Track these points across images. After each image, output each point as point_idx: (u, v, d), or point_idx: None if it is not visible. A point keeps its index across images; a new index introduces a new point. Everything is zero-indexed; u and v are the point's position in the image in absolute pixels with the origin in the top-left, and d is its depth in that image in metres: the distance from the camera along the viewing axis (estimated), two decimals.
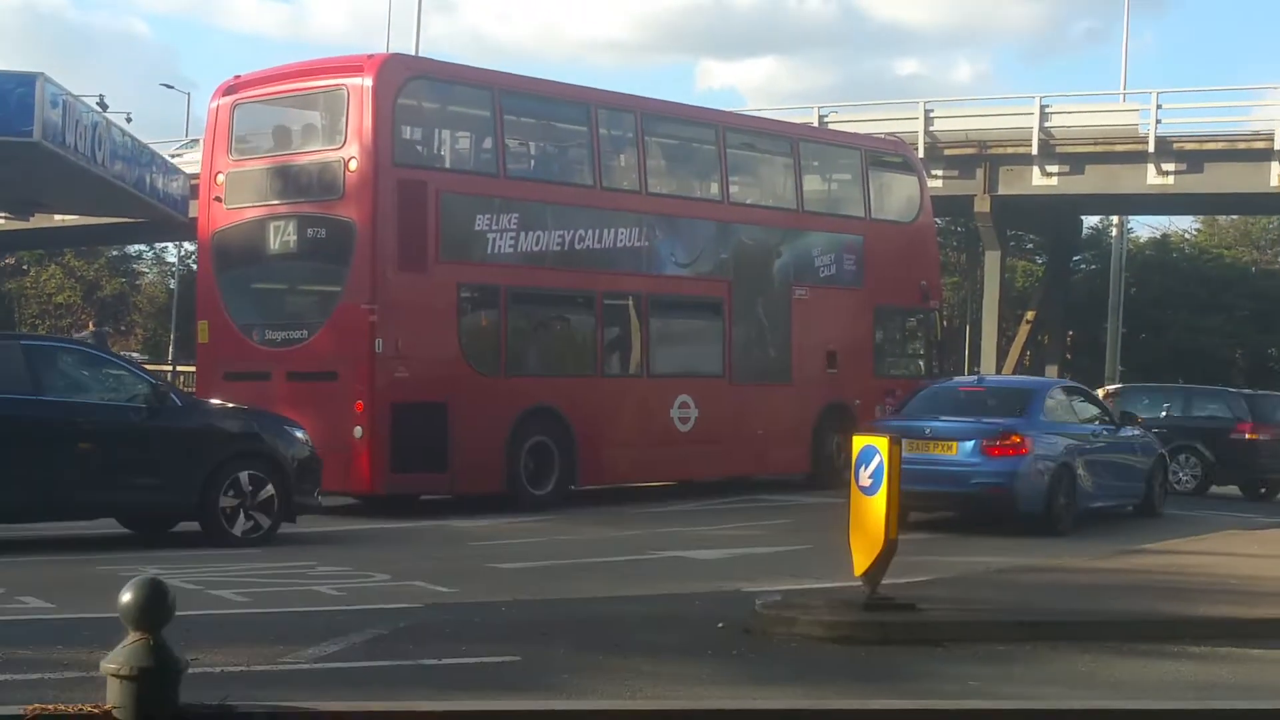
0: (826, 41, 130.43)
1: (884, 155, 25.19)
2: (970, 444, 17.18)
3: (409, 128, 18.55)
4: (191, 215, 35.42)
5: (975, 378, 25.97)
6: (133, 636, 3.78)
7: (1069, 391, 19.62)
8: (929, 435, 17.28)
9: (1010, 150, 39.89)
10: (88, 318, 64.18)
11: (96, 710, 3.61)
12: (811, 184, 23.52)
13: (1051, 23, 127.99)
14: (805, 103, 61.46)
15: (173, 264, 67.54)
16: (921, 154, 35.88)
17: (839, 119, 41.28)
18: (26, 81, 22.85)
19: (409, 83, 18.22)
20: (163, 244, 66.43)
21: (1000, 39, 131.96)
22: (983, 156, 40.14)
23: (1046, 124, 39.37)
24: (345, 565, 12.95)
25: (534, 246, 18.96)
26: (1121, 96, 42.73)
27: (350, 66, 18.00)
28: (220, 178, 18.68)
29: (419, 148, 19.00)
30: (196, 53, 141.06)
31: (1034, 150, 39.06)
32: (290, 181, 18.23)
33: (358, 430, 17.06)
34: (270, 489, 14.05)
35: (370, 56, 18.19)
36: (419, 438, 17.49)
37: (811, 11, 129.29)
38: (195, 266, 70.78)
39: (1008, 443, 17.20)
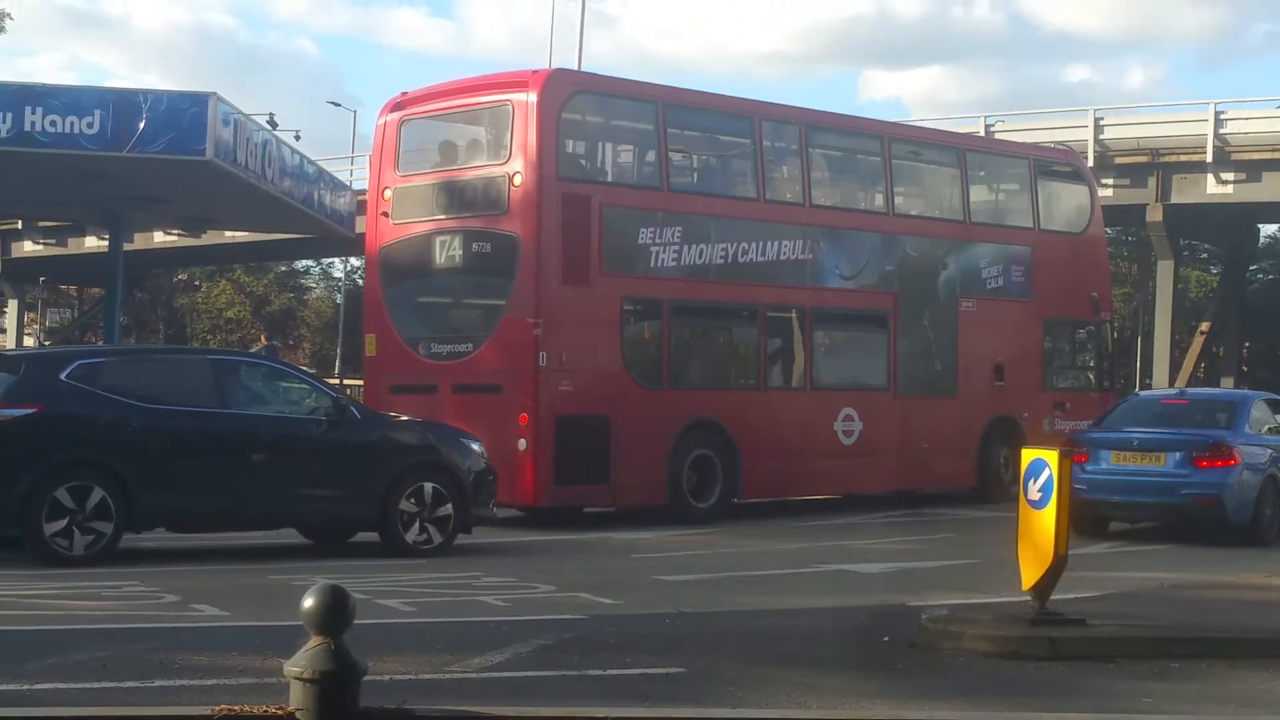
0: (994, 49, 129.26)
1: (1053, 165, 24.75)
2: (1179, 455, 17.30)
3: (573, 142, 18.67)
4: (358, 231, 36.13)
5: (1177, 390, 25.47)
6: (315, 641, 3.84)
7: (1271, 404, 19.39)
8: (1137, 446, 17.52)
9: (1184, 158, 38.94)
10: (258, 332, 65.65)
11: (281, 712, 3.68)
12: (978, 194, 23.20)
13: (1228, 27, 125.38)
14: (971, 112, 60.92)
15: (339, 279, 68.86)
16: (1091, 162, 35.23)
17: (1006, 128, 40.66)
18: (200, 101, 23.25)
19: (573, 97, 18.34)
20: (329, 259, 67.76)
21: (1175, 44, 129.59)
22: (1155, 164, 39.23)
23: (1222, 130, 38.33)
24: (510, 576, 13.04)
25: (697, 259, 18.94)
26: None
27: (515, 82, 18.16)
28: (387, 193, 18.97)
29: (583, 161, 19.12)
30: (363, 71, 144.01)
31: (1209, 158, 38.03)
32: (456, 196, 18.45)
33: (522, 443, 17.19)
34: (449, 505, 14.24)
35: (535, 72, 18.34)
36: (582, 450, 17.58)
37: (978, 19, 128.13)
38: (362, 281, 72.19)
39: (1217, 454, 17.24)
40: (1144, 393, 22.98)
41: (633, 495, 18.19)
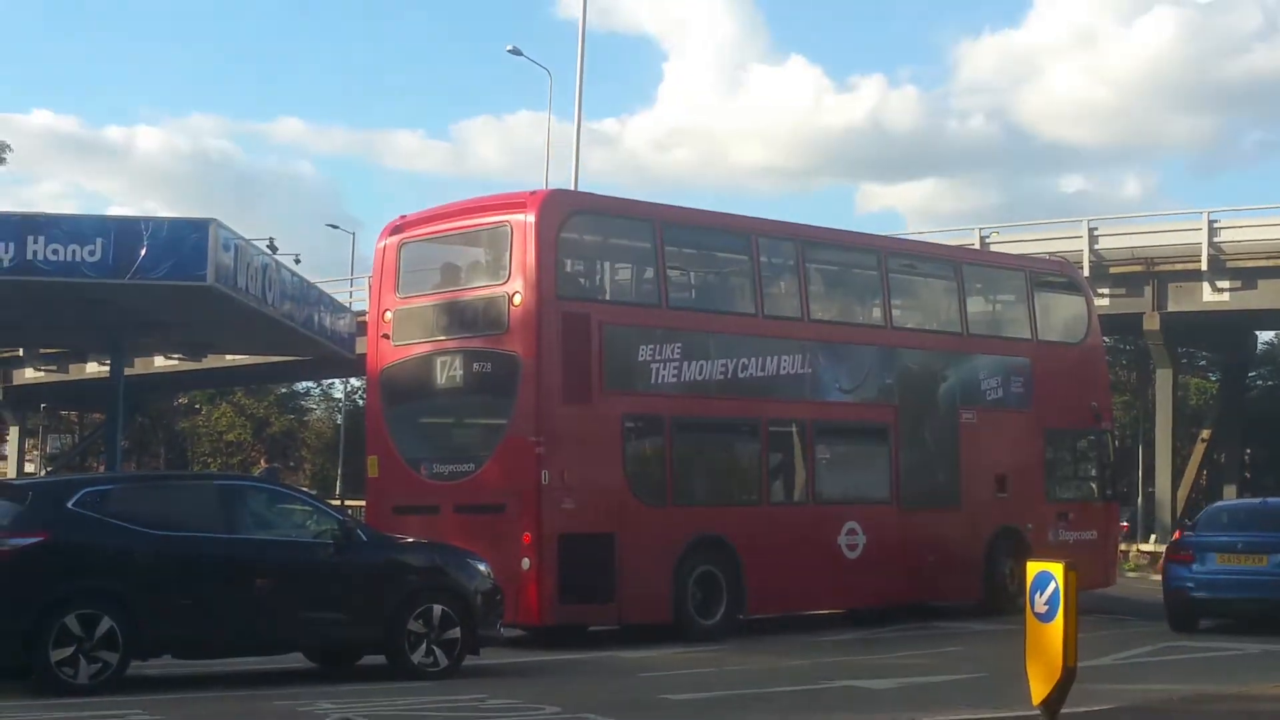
0: (988, 161, 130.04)
1: (1049, 276, 24.87)
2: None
3: (571, 261, 18.71)
4: (358, 352, 36.20)
5: (1259, 500, 25.95)
6: None
7: None
8: (1241, 549, 19.33)
9: (1179, 267, 39.29)
10: (258, 454, 65.64)
11: None
12: (976, 306, 23.28)
13: (1221, 136, 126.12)
14: (966, 223, 61.30)
15: (339, 399, 68.93)
16: (1087, 272, 35.46)
17: (1001, 239, 40.97)
18: (200, 228, 23.39)
19: (571, 217, 18.46)
20: (329, 380, 67.88)
21: (1168, 153, 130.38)
22: (1150, 273, 39.60)
23: (1216, 239, 38.64)
24: (516, 698, 12.93)
25: (697, 376, 18.97)
26: None
27: (513, 203, 18.28)
28: (388, 315, 19.04)
29: (582, 280, 19.18)
30: (361, 193, 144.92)
31: (1204, 266, 38.38)
32: (456, 317, 18.52)
33: (525, 562, 17.10)
34: (456, 629, 14.20)
35: (533, 193, 18.46)
36: (586, 568, 17.49)
37: (973, 131, 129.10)
38: (362, 402, 72.17)
39: None
40: (1224, 501, 26.16)
41: (638, 612, 18.06)
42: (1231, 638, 19.09)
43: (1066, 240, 40.19)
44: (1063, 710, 10.13)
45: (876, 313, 21.75)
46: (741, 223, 20.59)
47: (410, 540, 15.35)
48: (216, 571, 13.48)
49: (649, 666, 15.73)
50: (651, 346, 18.51)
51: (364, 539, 14.50)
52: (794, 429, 20.19)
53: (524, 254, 17.65)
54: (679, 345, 18.75)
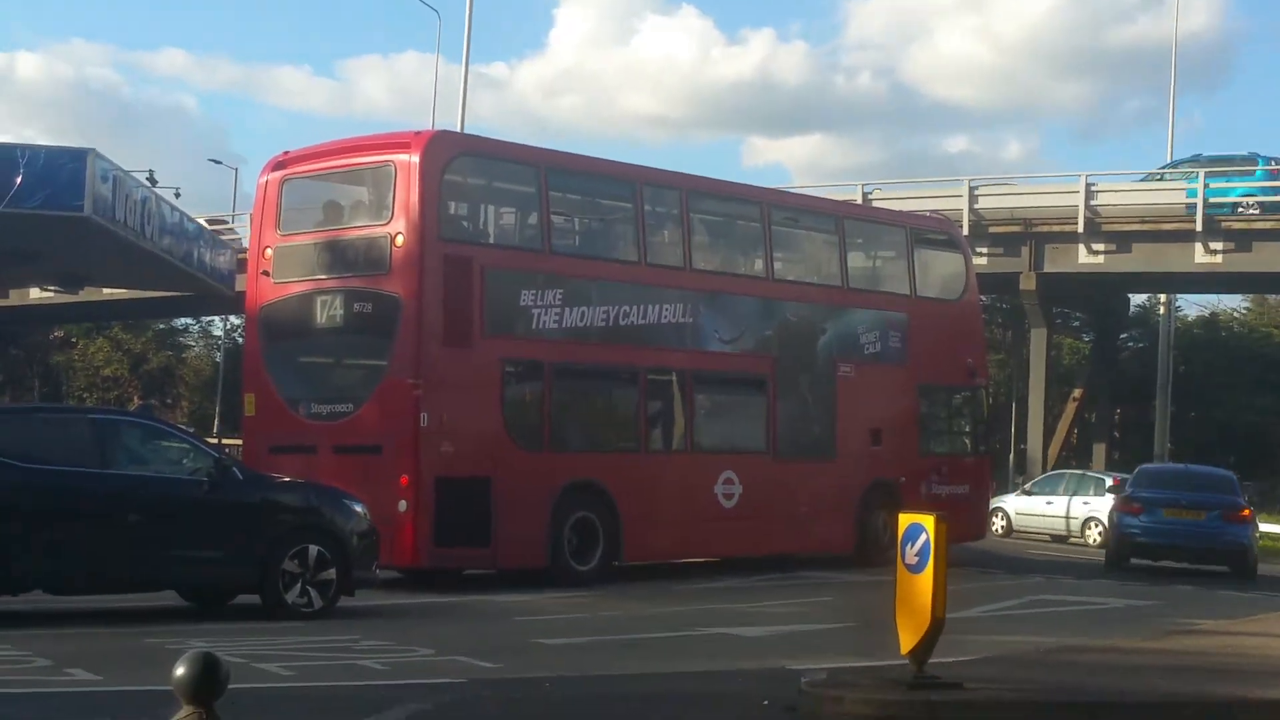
0: (875, 119, 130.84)
1: (929, 233, 25.18)
2: (1216, 513, 24.26)
3: (455, 203, 18.63)
4: (238, 289, 35.75)
5: (1182, 466, 31.74)
6: (185, 710, 3.85)
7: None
8: (1186, 505, 24.21)
9: (1056, 228, 39.87)
10: (134, 390, 64.67)
11: None
12: (856, 261, 23.52)
13: (1102, 102, 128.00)
14: (852, 179, 61.73)
15: (219, 337, 68.10)
16: (966, 231, 35.88)
17: (883, 196, 41.31)
18: (78, 157, 23.04)
19: (456, 159, 18.36)
20: (209, 318, 67.03)
21: (1051, 117, 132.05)
22: (1028, 234, 40.11)
23: (1093, 202, 39.32)
24: (388, 639, 12.91)
25: (578, 322, 19.00)
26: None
27: (398, 143, 18.16)
28: (268, 252, 18.84)
29: (465, 223, 19.10)
30: (245, 128, 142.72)
31: (1080, 228, 39.04)
32: (337, 256, 18.37)
33: (402, 504, 17.06)
34: (331, 570, 14.12)
35: (417, 133, 18.33)
36: (463, 512, 17.49)
37: (860, 89, 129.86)
38: (242, 340, 71.52)
39: (1241, 513, 24.64)
40: (1151, 465, 31.38)
41: (514, 557, 18.10)
42: (1093, 594, 19.78)
43: (948, 199, 40.56)
44: (930, 660, 10.26)
45: (758, 264, 21.87)
46: (626, 170, 20.60)
47: (287, 480, 15.23)
48: (88, 507, 13.30)
49: (523, 611, 15.79)
50: (533, 292, 18.50)
51: (239, 477, 14.33)
52: (673, 378, 20.29)
53: (407, 194, 17.53)
54: (561, 291, 18.77)
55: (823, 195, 35.63)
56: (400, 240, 17.51)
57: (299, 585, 13.98)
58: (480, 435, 17.82)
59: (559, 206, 19.76)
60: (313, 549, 14.05)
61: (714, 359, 20.81)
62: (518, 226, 19.84)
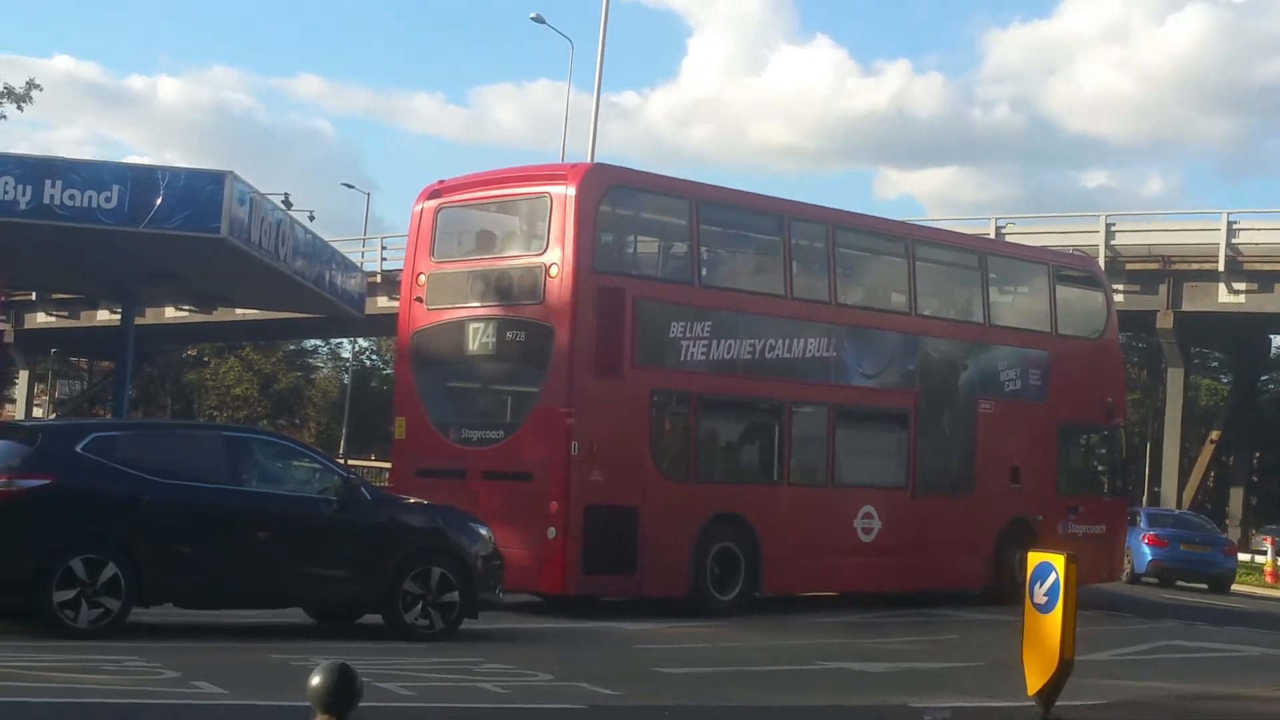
0: (1011, 152, 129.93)
1: (1070, 270, 25.02)
2: (1217, 547, 32.73)
3: (608, 235, 18.79)
4: (368, 312, 36.12)
5: (1170, 510, 38.08)
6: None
7: None
8: (1198, 542, 32.18)
9: (1195, 266, 39.62)
10: (264, 410, 65.78)
11: None
12: (998, 298, 23.43)
13: (1247, 137, 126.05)
14: (986, 213, 61.20)
15: (347, 359, 69.00)
16: (1102, 267, 35.53)
17: (1017, 230, 41.11)
18: (216, 180, 23.08)
19: (610, 191, 18.53)
20: (338, 339, 67.95)
21: (1194, 152, 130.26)
22: (1166, 272, 39.88)
23: (1234, 240, 38.96)
24: (510, 663, 12.97)
25: (725, 354, 19.10)
26: None
27: (554, 175, 18.41)
28: (422, 279, 19.13)
29: (617, 254, 19.21)
30: (378, 153, 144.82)
31: (1220, 266, 38.73)
32: (491, 285, 18.62)
33: (552, 531, 17.24)
34: (454, 592, 14.23)
35: (573, 166, 18.64)
36: (610, 540, 17.64)
37: (997, 121, 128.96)
38: (369, 363, 72.47)
39: (1232, 548, 33.30)
40: (1150, 508, 36.72)
41: (657, 586, 18.20)
42: (1230, 641, 19.66)
43: (1083, 234, 40.49)
44: (1058, 702, 10.16)
45: (902, 300, 21.87)
46: (775, 204, 20.65)
47: (413, 501, 15.32)
48: (220, 522, 13.47)
49: (647, 639, 15.83)
50: (683, 323, 18.63)
51: (368, 497, 14.47)
52: (816, 411, 20.33)
53: (563, 226, 17.74)
54: (709, 323, 18.89)
55: (956, 228, 35.58)
56: (555, 270, 17.71)
57: (420, 606, 14.12)
58: (628, 465, 17.94)
59: (708, 239, 19.89)
60: (436, 570, 14.14)
61: (857, 393, 20.82)
62: (668, 258, 19.93)
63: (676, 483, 18.45)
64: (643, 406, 18.24)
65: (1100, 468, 25.11)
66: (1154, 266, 39.92)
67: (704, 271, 19.39)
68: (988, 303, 22.71)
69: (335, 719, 3.92)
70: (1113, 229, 40.60)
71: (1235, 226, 39.30)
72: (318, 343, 70.78)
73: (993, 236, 38.97)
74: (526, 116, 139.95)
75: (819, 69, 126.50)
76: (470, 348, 18.68)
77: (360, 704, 4.10)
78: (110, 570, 12.75)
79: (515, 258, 18.73)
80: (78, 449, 13.26)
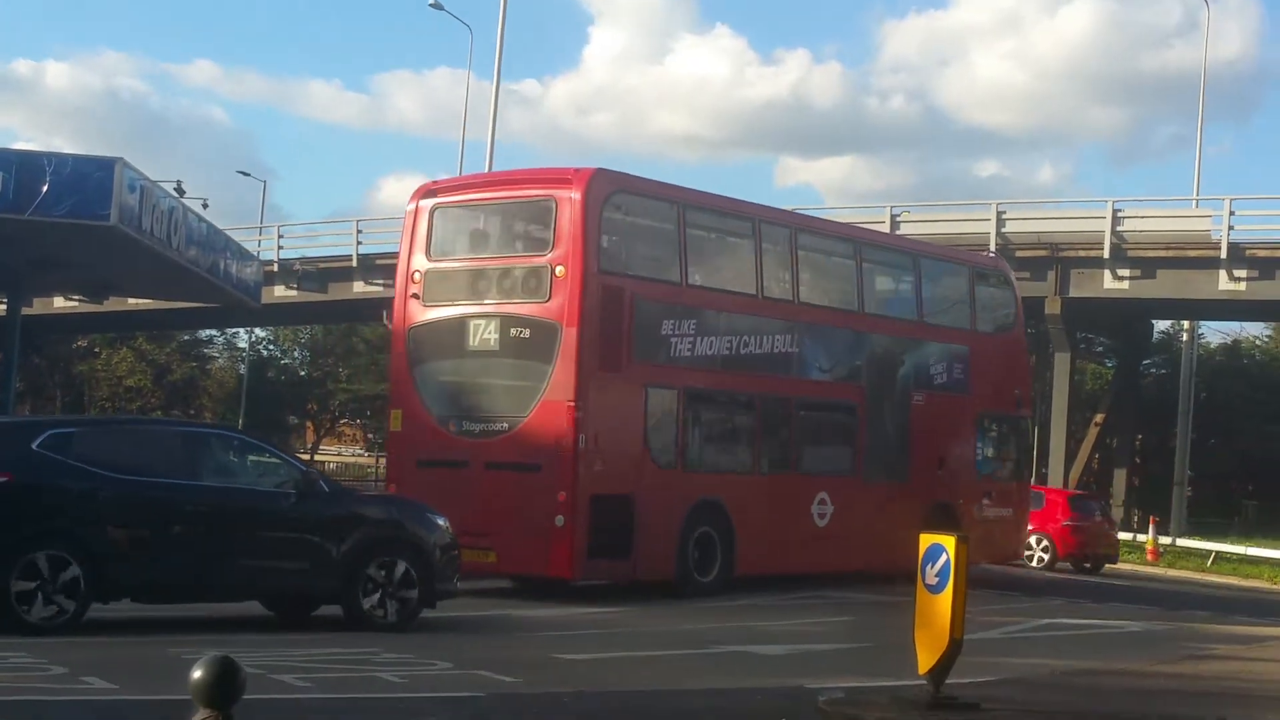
0: (907, 142, 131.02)
1: (986, 271, 26.79)
2: None
3: (610, 237, 19.60)
4: (265, 301, 35.19)
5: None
6: (203, 714, 3.89)
7: None
8: None
9: (1082, 253, 40.32)
10: (157, 401, 65.08)
11: None
12: (928, 296, 24.88)
13: (1136, 127, 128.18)
14: (881, 201, 62.27)
15: (243, 349, 68.48)
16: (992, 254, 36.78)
17: (912, 219, 41.91)
18: (105, 166, 22.59)
19: (613, 195, 19.38)
20: (234, 329, 67.28)
21: (1084, 142, 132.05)
22: (1054, 259, 40.51)
23: (1119, 228, 39.76)
24: (409, 653, 12.69)
25: (707, 351, 20.25)
26: (1194, 202, 42.75)
27: (559, 179, 19.24)
28: (417, 275, 19.75)
29: (617, 256, 19.93)
30: (274, 140, 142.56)
31: (1106, 254, 39.53)
32: (493, 283, 19.33)
33: (559, 519, 18.12)
34: (414, 589, 14.28)
35: (578, 170, 19.28)
36: (611, 527, 18.61)
37: (893, 111, 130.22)
38: (266, 353, 71.80)
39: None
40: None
41: (649, 570, 19.23)
42: (1112, 617, 20.72)
43: (975, 222, 41.14)
44: (948, 680, 10.27)
45: (852, 299, 23.21)
46: (747, 208, 21.84)
47: (371, 493, 15.63)
48: (179, 517, 13.45)
49: (548, 625, 16.10)
50: (672, 321, 19.73)
51: (325, 490, 14.44)
52: (781, 404, 21.56)
53: (569, 228, 18.58)
54: (694, 321, 20.01)
55: (853, 218, 36.81)
56: (560, 271, 18.55)
57: (378, 594, 14.12)
58: (626, 455, 19.00)
59: (694, 242, 20.91)
60: (400, 564, 14.20)
61: (815, 387, 22.22)
62: (659, 260, 20.78)
63: (666, 471, 19.57)
64: (638, 400, 19.28)
65: (1011, 454, 26.45)
66: (1043, 253, 40.53)
67: (690, 272, 20.49)
68: (921, 301, 24.25)
69: (218, 713, 3.84)
70: (1003, 217, 41.19)
71: (1120, 214, 40.10)
72: (213, 333, 70.04)
73: (888, 225, 40.03)
74: (426, 104, 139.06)
75: (719, 58, 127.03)
76: (472, 343, 19.35)
77: (246, 696, 4.01)
78: (73, 571, 12.69)
79: (519, 258, 19.62)
80: (34, 446, 13.14)
